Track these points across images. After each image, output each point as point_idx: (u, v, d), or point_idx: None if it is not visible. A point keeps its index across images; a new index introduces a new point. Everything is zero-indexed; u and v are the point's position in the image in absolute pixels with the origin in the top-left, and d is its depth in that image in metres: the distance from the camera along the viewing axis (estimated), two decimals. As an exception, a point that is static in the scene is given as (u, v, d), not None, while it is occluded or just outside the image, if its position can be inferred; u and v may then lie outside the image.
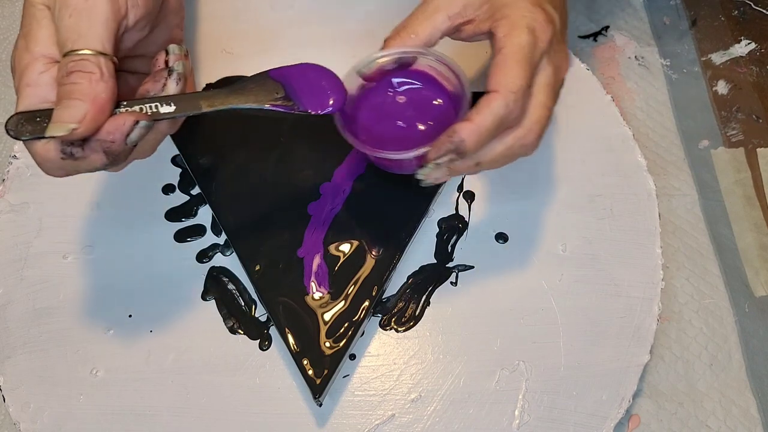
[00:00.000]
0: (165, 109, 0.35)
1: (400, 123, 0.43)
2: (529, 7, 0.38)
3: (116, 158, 0.35)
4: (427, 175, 0.38)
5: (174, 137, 0.49)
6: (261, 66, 0.54)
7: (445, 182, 0.49)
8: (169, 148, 0.50)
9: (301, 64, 0.39)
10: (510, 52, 0.37)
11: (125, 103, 0.35)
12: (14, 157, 0.51)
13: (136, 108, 0.34)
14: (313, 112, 0.38)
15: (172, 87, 0.36)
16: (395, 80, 0.43)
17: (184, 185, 0.50)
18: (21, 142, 0.51)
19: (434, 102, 0.43)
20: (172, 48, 0.36)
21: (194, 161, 0.48)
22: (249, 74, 0.53)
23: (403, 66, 0.42)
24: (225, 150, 0.49)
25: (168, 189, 0.50)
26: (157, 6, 0.39)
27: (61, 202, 0.49)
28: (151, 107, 0.35)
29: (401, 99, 0.43)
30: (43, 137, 0.33)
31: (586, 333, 0.45)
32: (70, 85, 0.33)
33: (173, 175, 0.50)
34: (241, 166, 0.48)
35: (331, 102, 0.39)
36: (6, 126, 0.33)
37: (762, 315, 0.48)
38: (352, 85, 0.41)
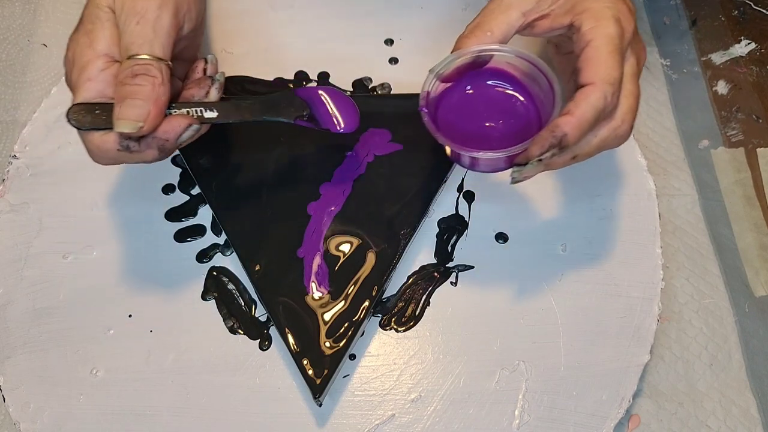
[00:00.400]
0: (209, 114, 0.39)
1: (481, 122, 0.42)
2: None
3: (165, 156, 0.39)
4: (524, 173, 0.39)
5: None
6: (261, 66, 0.55)
7: (445, 182, 0.49)
8: (169, 148, 0.50)
9: (322, 86, 0.44)
10: (601, 43, 0.37)
11: (174, 105, 0.39)
12: (14, 157, 0.51)
13: (184, 111, 0.39)
14: (333, 131, 0.43)
15: (214, 94, 0.40)
16: (474, 80, 0.43)
17: (184, 185, 0.50)
18: (19, 142, 0.51)
19: (514, 99, 0.43)
20: (211, 58, 0.42)
21: (194, 161, 0.48)
22: (249, 74, 0.54)
23: (479, 64, 0.42)
24: (225, 150, 0.49)
25: (168, 189, 0.50)
26: (201, 19, 0.44)
27: (61, 202, 0.49)
28: (197, 111, 0.39)
29: (481, 98, 0.43)
30: (103, 128, 0.37)
31: (586, 333, 0.45)
32: (136, 87, 0.36)
33: (173, 175, 0.50)
34: (241, 166, 0.48)
35: (348, 123, 0.43)
36: (67, 115, 0.37)
37: (762, 315, 0.48)
38: (431, 87, 0.42)
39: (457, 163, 0.45)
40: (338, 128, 0.43)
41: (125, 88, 0.37)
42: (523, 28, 0.40)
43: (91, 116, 0.37)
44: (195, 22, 0.42)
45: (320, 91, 0.43)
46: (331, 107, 0.43)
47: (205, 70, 0.42)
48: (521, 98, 0.43)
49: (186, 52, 0.43)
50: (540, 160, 0.37)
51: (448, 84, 0.43)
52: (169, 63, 0.38)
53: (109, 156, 0.38)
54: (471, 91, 0.43)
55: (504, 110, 0.43)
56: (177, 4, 0.40)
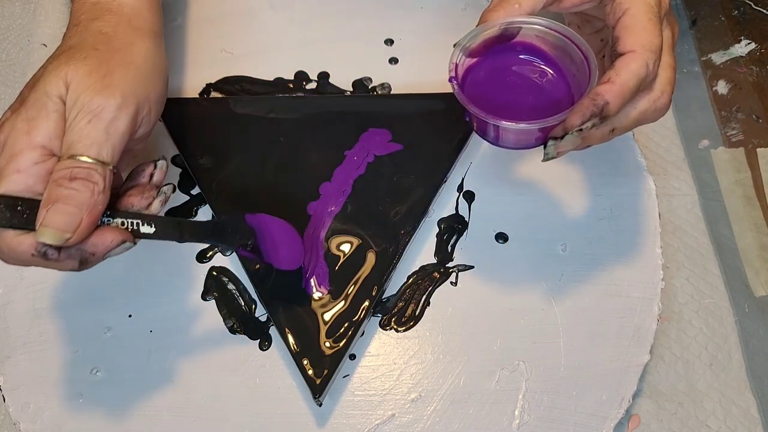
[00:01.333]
0: (145, 229, 0.35)
1: (510, 97, 0.41)
2: None
3: (86, 267, 0.35)
4: (559, 147, 0.37)
5: (174, 137, 0.49)
6: (261, 66, 0.55)
7: (445, 182, 0.49)
8: (169, 148, 0.50)
9: (272, 218, 0.41)
10: (639, 11, 0.36)
11: (110, 212, 0.34)
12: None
13: (119, 221, 0.34)
14: (275, 267, 0.41)
15: (157, 208, 0.36)
16: (501, 54, 0.42)
17: (184, 185, 0.50)
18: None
19: (544, 74, 0.42)
20: (161, 164, 0.38)
21: (194, 161, 0.48)
22: (249, 74, 0.54)
23: (506, 38, 0.41)
24: (225, 150, 0.49)
25: (168, 189, 0.49)
26: (156, 121, 0.40)
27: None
28: (133, 224, 0.35)
29: (509, 73, 0.42)
30: (21, 228, 0.32)
31: (586, 333, 0.45)
32: (72, 191, 0.32)
33: (173, 175, 0.50)
34: (241, 166, 0.48)
35: (291, 261, 0.42)
36: None
37: (762, 315, 0.48)
38: (458, 59, 0.40)
39: (483, 138, 0.42)
40: (280, 265, 0.41)
41: (59, 191, 0.32)
42: (551, 2, 0.39)
43: (10, 212, 0.32)
44: (151, 126, 0.39)
45: (270, 222, 0.41)
46: (279, 241, 0.41)
47: (151, 176, 0.37)
48: (551, 73, 0.41)
49: (130, 144, 0.38)
50: (580, 130, 0.35)
51: (475, 59, 0.41)
52: (114, 169, 0.35)
53: (20, 259, 0.33)
54: (499, 66, 0.42)
55: (533, 85, 0.41)
56: (138, 106, 0.36)
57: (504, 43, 0.41)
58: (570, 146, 0.37)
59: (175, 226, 0.36)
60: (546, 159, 0.38)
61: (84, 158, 0.33)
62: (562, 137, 0.36)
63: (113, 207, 0.35)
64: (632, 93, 0.36)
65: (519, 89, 0.41)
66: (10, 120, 0.35)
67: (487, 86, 0.41)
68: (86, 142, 0.34)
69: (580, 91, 0.38)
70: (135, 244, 0.35)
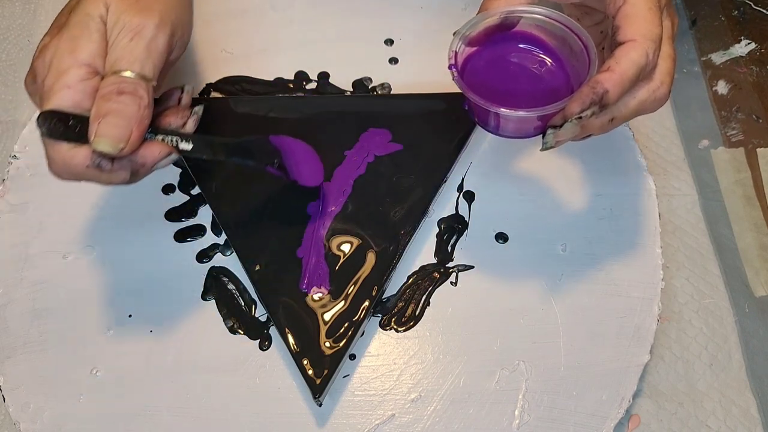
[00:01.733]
0: (183, 145, 0.38)
1: (509, 86, 0.41)
2: None
3: (136, 179, 0.37)
4: (559, 136, 0.37)
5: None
6: (261, 66, 0.55)
7: (445, 182, 0.49)
8: (169, 148, 0.50)
9: (293, 139, 0.43)
10: (641, 1, 0.36)
11: (152, 129, 0.37)
12: (14, 157, 0.51)
13: (160, 137, 0.37)
14: (300, 183, 0.43)
15: (191, 126, 0.39)
16: (501, 43, 0.42)
17: (184, 185, 0.50)
18: (19, 142, 0.51)
19: (543, 63, 0.42)
20: (188, 89, 0.41)
21: (194, 161, 0.48)
22: (249, 74, 0.54)
23: (506, 27, 0.41)
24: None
25: (168, 189, 0.50)
26: (185, 49, 0.42)
27: (61, 202, 0.49)
28: (173, 140, 0.38)
29: (509, 62, 0.42)
30: (73, 141, 0.34)
31: (586, 333, 0.45)
32: (120, 105, 0.34)
33: (173, 175, 0.50)
34: (241, 166, 0.48)
35: (314, 179, 0.45)
36: (38, 121, 0.34)
37: (762, 315, 0.48)
38: (458, 48, 0.40)
39: (482, 127, 0.42)
40: (306, 182, 0.44)
41: (108, 105, 0.34)
42: None
43: (63, 126, 0.34)
44: (182, 51, 0.40)
45: (290, 143, 0.43)
46: (300, 160, 0.43)
47: (179, 100, 0.40)
48: (551, 62, 0.41)
49: (164, 67, 0.41)
50: (579, 118, 0.36)
51: (474, 48, 0.41)
52: (155, 85, 0.37)
53: (74, 171, 0.35)
54: (498, 55, 0.42)
55: (533, 74, 0.41)
56: (173, 27, 0.38)
57: (504, 32, 0.41)
58: (569, 135, 0.37)
59: (209, 144, 0.39)
60: (544, 148, 0.38)
61: (128, 74, 0.35)
62: (561, 126, 0.36)
63: (153, 125, 0.37)
64: (632, 82, 0.36)
65: (518, 78, 0.41)
66: (53, 42, 0.36)
67: (487, 75, 0.41)
68: (129, 59, 0.36)
69: (579, 81, 0.38)
70: (177, 156, 0.38)
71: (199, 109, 0.40)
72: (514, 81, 0.41)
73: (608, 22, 0.38)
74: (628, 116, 0.38)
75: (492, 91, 0.40)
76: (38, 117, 0.34)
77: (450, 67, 0.39)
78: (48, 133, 0.34)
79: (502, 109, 0.37)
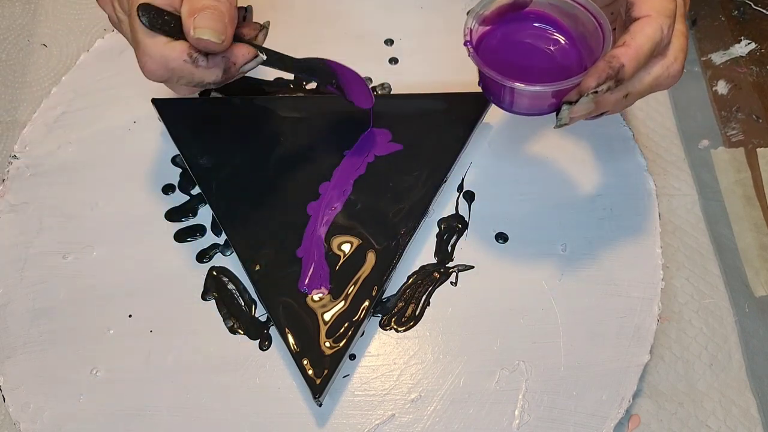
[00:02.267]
0: (260, 55, 0.39)
1: (523, 64, 0.41)
2: None
3: (226, 78, 0.38)
4: (573, 111, 0.37)
5: (174, 137, 0.49)
6: (261, 66, 0.54)
7: (445, 182, 0.49)
8: (169, 148, 0.50)
9: (345, 66, 0.45)
10: None
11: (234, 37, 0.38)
12: (14, 157, 0.51)
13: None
14: (356, 104, 0.47)
15: (261, 39, 0.41)
16: (514, 22, 0.42)
17: (184, 185, 0.50)
18: (19, 142, 0.51)
19: (557, 42, 0.42)
20: (249, 8, 0.42)
21: (194, 161, 0.48)
22: (249, 74, 0.54)
23: (519, 6, 0.41)
24: (225, 150, 0.49)
25: (168, 189, 0.50)
26: None
27: (61, 202, 0.49)
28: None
29: (522, 40, 0.42)
30: (169, 35, 0.35)
31: (586, 333, 0.45)
32: (215, 2, 0.35)
33: (173, 175, 0.50)
34: (241, 166, 0.48)
35: (367, 101, 0.47)
36: (138, 11, 0.35)
37: (762, 315, 0.48)
38: (473, 26, 0.41)
39: (496, 104, 0.42)
40: (360, 103, 0.46)
41: (203, 1, 0.35)
42: None
43: (161, 19, 0.35)
44: None
45: (344, 68, 0.45)
46: (354, 84, 0.45)
47: (244, 18, 0.41)
48: (564, 40, 0.42)
49: None
50: (595, 93, 0.36)
51: (488, 27, 0.42)
52: None
53: (170, 66, 0.36)
54: (512, 34, 0.42)
55: (546, 53, 0.42)
56: None
57: (516, 11, 0.42)
58: (584, 111, 0.37)
59: (281, 57, 0.41)
60: (559, 125, 0.38)
61: None
62: (575, 101, 0.37)
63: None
64: (647, 57, 0.36)
65: (532, 56, 0.42)
66: None
67: (501, 53, 0.42)
68: None
69: (593, 59, 0.38)
70: (262, 60, 0.39)
71: (267, 23, 0.41)
72: (528, 59, 0.42)
73: (619, 3, 0.39)
74: (643, 92, 0.38)
75: (506, 68, 0.40)
76: (138, 7, 0.35)
77: (465, 44, 0.40)
78: (149, 24, 0.35)
79: (517, 84, 0.38)
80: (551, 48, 0.42)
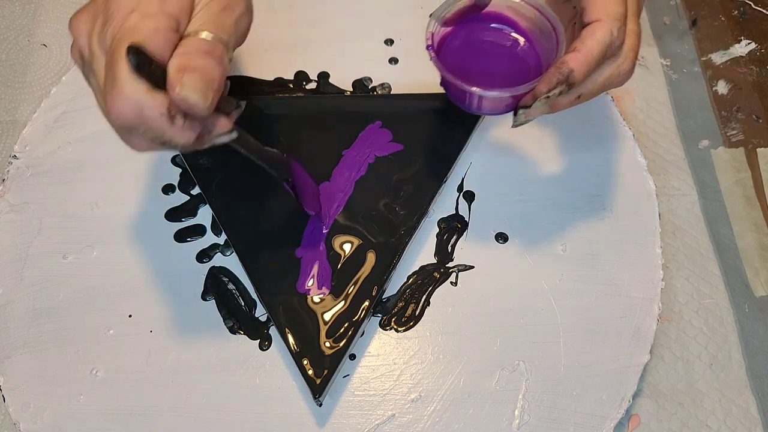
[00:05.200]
0: (232, 134, 0.37)
1: (484, 65, 0.43)
2: None
3: (195, 145, 0.35)
4: (528, 114, 0.39)
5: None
6: (261, 66, 0.55)
7: (445, 182, 0.49)
8: (169, 148, 0.50)
9: (298, 166, 0.43)
10: None
11: None
12: (14, 157, 0.51)
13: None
14: (304, 208, 0.44)
15: (235, 116, 0.38)
16: (475, 24, 0.43)
17: (184, 185, 0.50)
18: (19, 142, 0.51)
19: (515, 43, 0.43)
20: (227, 83, 0.38)
21: (194, 161, 0.48)
22: (249, 74, 0.54)
23: (479, 8, 0.42)
24: (225, 150, 0.49)
25: (168, 189, 0.50)
26: None
27: (61, 202, 0.49)
28: None
29: (482, 42, 0.44)
30: (153, 82, 0.32)
31: (586, 333, 0.45)
32: (207, 64, 0.33)
33: (173, 175, 0.50)
34: (241, 166, 0.48)
35: (314, 207, 0.45)
36: (128, 52, 0.32)
37: (762, 315, 0.48)
38: (435, 29, 0.42)
39: (459, 105, 0.43)
40: (308, 208, 0.45)
41: (195, 61, 0.33)
42: None
43: (148, 66, 0.32)
44: (244, 39, 0.39)
45: (299, 170, 0.43)
46: (305, 187, 0.44)
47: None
48: (522, 42, 0.43)
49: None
50: (547, 97, 0.37)
51: (450, 28, 0.43)
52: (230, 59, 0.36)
53: (142, 115, 0.33)
54: (473, 35, 0.44)
55: (506, 54, 0.43)
56: (252, 15, 0.38)
57: (477, 12, 0.43)
58: (539, 113, 0.39)
59: (248, 140, 0.39)
60: (516, 124, 0.40)
61: (214, 39, 0.34)
62: (530, 105, 0.38)
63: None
64: (597, 61, 0.37)
65: (492, 57, 0.43)
66: None
67: (462, 54, 0.43)
68: (219, 25, 0.34)
69: (549, 61, 0.39)
70: (233, 137, 0.37)
71: (243, 103, 0.38)
72: (488, 60, 0.43)
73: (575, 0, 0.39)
74: (595, 92, 0.39)
75: (467, 69, 0.42)
76: (129, 48, 0.32)
77: (428, 48, 0.41)
78: (137, 66, 0.32)
79: (476, 89, 0.39)
80: (510, 48, 0.43)
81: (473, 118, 0.49)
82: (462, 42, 0.43)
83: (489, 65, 0.43)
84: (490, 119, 0.51)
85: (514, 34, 0.43)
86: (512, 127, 0.40)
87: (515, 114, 0.40)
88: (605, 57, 0.37)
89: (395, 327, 0.45)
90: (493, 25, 0.44)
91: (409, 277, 0.46)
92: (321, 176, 0.48)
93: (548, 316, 0.45)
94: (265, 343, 0.44)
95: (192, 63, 0.33)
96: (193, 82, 0.32)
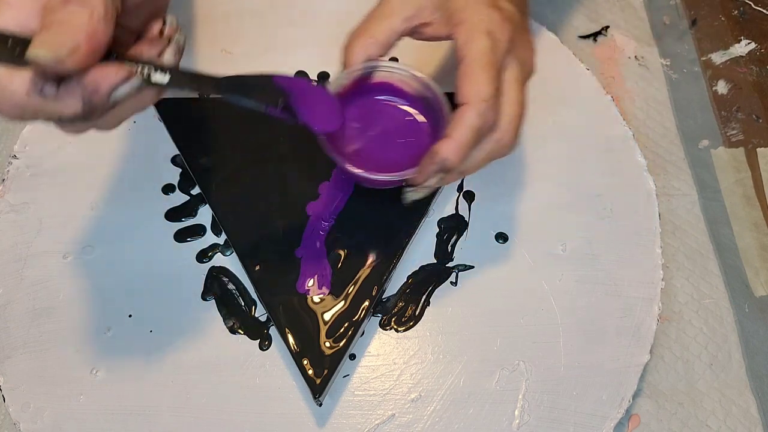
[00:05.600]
0: (158, 77, 0.31)
1: (375, 139, 0.43)
2: (483, 9, 0.38)
3: (90, 113, 0.30)
4: (415, 196, 0.40)
5: (174, 137, 0.49)
6: (261, 66, 0.54)
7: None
8: (169, 148, 0.50)
9: (307, 83, 0.39)
10: (472, 60, 0.36)
11: (116, 56, 0.30)
12: (14, 157, 0.51)
13: (127, 65, 0.30)
14: (315, 128, 0.38)
15: (169, 57, 0.33)
16: (368, 95, 0.44)
17: (184, 185, 0.50)
18: (19, 142, 0.51)
19: (408, 116, 0.44)
20: (171, 20, 0.33)
21: (194, 161, 0.48)
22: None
23: (370, 79, 0.42)
24: (225, 150, 0.49)
25: (168, 189, 0.50)
26: None
27: (61, 202, 0.49)
28: (144, 69, 0.31)
29: (375, 115, 0.44)
30: (15, 62, 0.28)
31: (586, 333, 0.45)
32: (66, 14, 0.28)
33: (173, 175, 0.50)
34: (241, 166, 0.48)
35: (329, 123, 0.39)
36: None
37: (762, 315, 0.48)
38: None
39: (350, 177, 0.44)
40: (319, 125, 0.39)
41: (53, 15, 0.28)
42: (409, 33, 0.40)
43: (1, 47, 0.28)
44: None
45: (301, 83, 0.38)
46: (314, 102, 0.38)
47: (162, 32, 0.33)
48: (415, 114, 0.44)
49: (145, 6, 0.34)
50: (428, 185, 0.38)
51: (348, 95, 0.43)
52: (117, 4, 0.30)
53: (14, 101, 0.29)
54: (365, 108, 0.44)
55: (398, 126, 0.44)
56: None
57: (369, 84, 0.43)
58: (425, 193, 0.40)
59: (193, 77, 0.33)
60: (405, 203, 0.41)
61: None
62: (413, 189, 0.40)
63: (122, 56, 0.31)
64: (470, 145, 0.37)
65: (385, 132, 0.43)
66: None
67: (355, 128, 0.43)
68: None
69: (438, 136, 0.38)
70: (145, 89, 0.31)
71: (180, 37, 0.33)
72: (381, 134, 0.43)
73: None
74: (478, 166, 0.39)
75: (359, 145, 0.43)
76: None
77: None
78: None
79: (366, 175, 0.40)
80: (404, 122, 0.44)
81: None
82: (355, 115, 0.43)
83: (383, 139, 0.43)
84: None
85: (409, 107, 0.44)
86: (404, 204, 0.41)
87: (402, 193, 0.40)
88: (479, 137, 0.37)
89: (395, 327, 0.45)
90: (385, 96, 0.44)
91: (409, 277, 0.46)
92: (321, 176, 0.48)
93: (548, 316, 0.45)
94: (265, 343, 0.44)
95: (47, 20, 0.28)
96: (48, 36, 0.27)
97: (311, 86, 0.39)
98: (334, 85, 0.41)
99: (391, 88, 0.43)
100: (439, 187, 0.48)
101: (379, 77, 0.43)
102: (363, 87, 0.43)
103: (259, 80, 0.36)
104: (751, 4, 0.60)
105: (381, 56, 0.40)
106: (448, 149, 0.36)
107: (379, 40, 0.40)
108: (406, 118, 0.44)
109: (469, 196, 0.49)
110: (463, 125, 0.36)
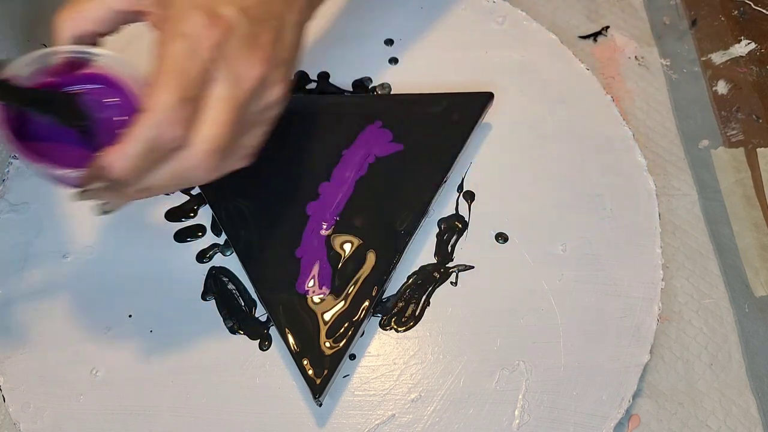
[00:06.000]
0: None
1: (74, 131, 0.36)
2: (190, 10, 0.33)
3: None
4: (106, 207, 0.36)
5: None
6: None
7: (445, 182, 0.49)
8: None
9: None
10: (159, 64, 0.32)
11: None
12: (14, 157, 0.51)
13: None
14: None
15: None
16: (70, 83, 0.37)
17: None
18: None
19: (109, 106, 0.37)
20: None
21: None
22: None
23: (79, 66, 0.37)
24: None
25: (168, 189, 0.49)
26: None
27: (61, 202, 0.49)
28: None
29: (83, 100, 0.37)
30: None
31: (586, 333, 0.45)
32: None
33: (173, 175, 0.50)
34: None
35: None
36: None
37: (762, 315, 0.48)
38: (23, 82, 0.36)
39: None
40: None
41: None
42: (132, 19, 0.36)
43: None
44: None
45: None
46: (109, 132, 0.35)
47: None
48: (118, 102, 0.37)
49: None
50: (90, 191, 0.34)
51: (54, 77, 0.37)
52: None
53: None
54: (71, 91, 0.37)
55: (100, 118, 0.37)
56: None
57: (78, 68, 0.37)
58: (112, 207, 0.36)
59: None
60: (94, 213, 0.37)
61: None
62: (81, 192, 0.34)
63: None
64: (141, 157, 0.32)
65: (85, 122, 0.37)
66: None
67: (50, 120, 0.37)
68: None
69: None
70: None
71: None
72: (83, 125, 0.37)
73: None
74: (165, 185, 0.34)
75: (56, 138, 0.36)
76: None
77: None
78: None
79: (37, 164, 0.34)
80: (107, 108, 0.37)
81: (473, 118, 0.49)
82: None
83: (82, 131, 0.36)
84: (491, 121, 0.51)
85: (112, 95, 0.37)
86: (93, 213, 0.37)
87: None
88: (157, 151, 0.32)
89: (395, 327, 0.45)
90: (91, 84, 0.37)
91: (409, 277, 0.46)
92: (321, 176, 0.48)
93: (548, 316, 0.45)
94: (265, 343, 0.44)
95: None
96: None
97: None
98: (26, 62, 0.36)
99: (95, 76, 0.37)
100: (439, 188, 0.48)
101: (82, 62, 0.37)
102: (62, 73, 0.37)
103: (63, 97, 0.35)
104: (751, 4, 0.60)
105: (98, 34, 0.36)
106: (113, 157, 0.31)
107: (89, 15, 0.35)
108: (104, 108, 0.37)
109: (469, 196, 0.49)
110: (133, 135, 0.31)
